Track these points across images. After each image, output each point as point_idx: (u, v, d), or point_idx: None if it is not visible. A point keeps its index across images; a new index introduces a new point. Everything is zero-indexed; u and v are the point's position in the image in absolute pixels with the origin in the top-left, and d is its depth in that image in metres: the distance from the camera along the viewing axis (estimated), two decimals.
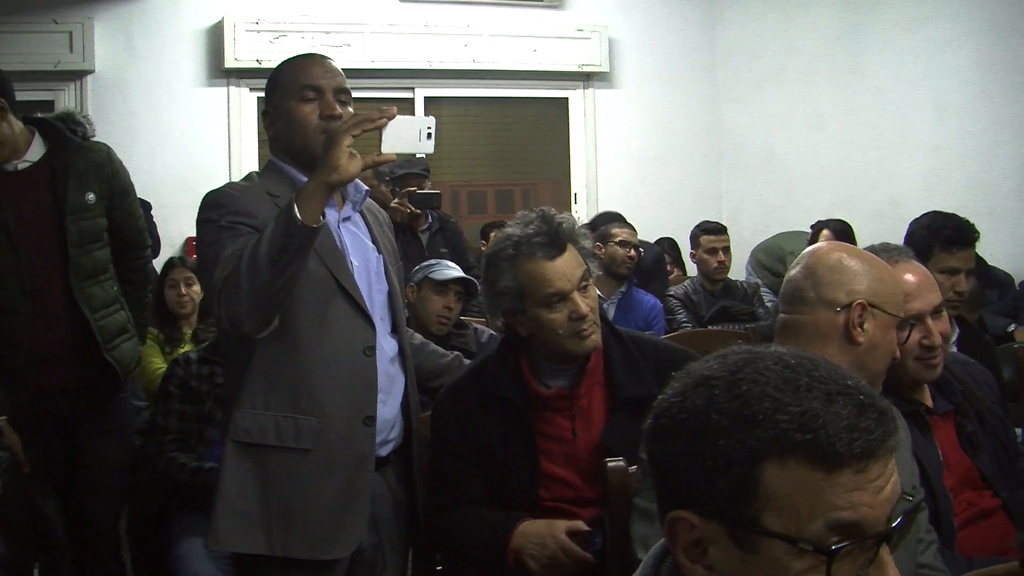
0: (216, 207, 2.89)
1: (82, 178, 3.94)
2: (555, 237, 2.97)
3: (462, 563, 3.14)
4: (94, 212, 3.96)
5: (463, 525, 3.01)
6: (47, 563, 4.26)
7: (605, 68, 9.58)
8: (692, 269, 7.53)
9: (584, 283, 2.99)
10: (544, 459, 3.01)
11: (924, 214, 4.19)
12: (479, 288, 4.32)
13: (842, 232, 6.39)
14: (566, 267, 2.97)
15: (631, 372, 3.02)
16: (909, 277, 2.93)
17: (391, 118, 2.75)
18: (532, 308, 2.98)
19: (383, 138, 2.77)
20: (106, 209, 4.03)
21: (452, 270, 4.87)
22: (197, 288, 5.21)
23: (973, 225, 4.15)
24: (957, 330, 4.03)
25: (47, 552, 4.19)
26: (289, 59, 3.09)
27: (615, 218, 6.90)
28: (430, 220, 7.00)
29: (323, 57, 3.07)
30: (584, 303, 2.96)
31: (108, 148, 4.13)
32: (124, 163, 4.16)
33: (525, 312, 3.00)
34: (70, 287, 3.89)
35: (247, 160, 8.46)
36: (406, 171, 7.11)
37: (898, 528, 1.30)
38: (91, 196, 3.94)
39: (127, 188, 4.13)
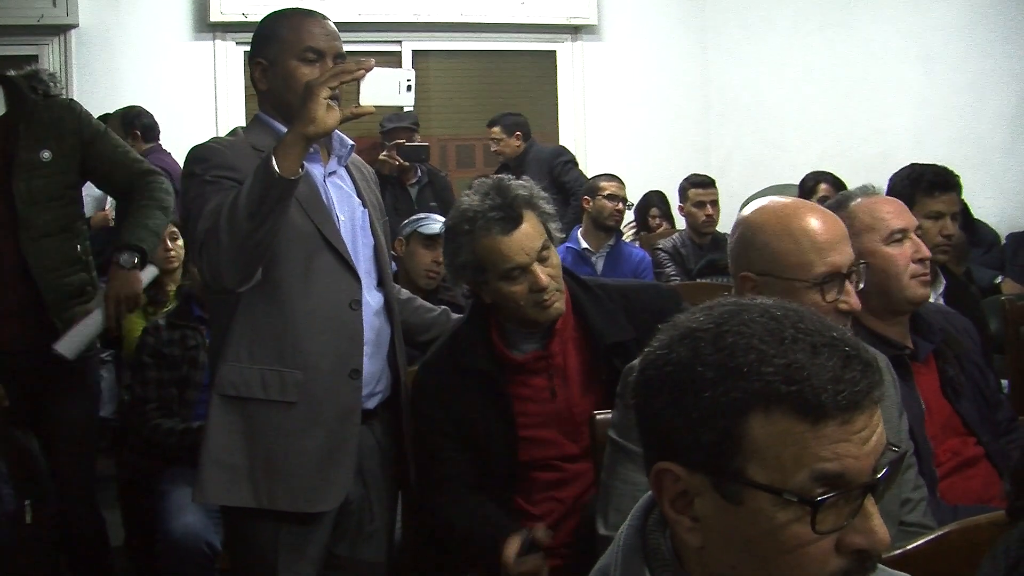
0: (200, 161, 2.88)
1: (37, 135, 3.82)
2: (510, 210, 2.95)
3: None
4: (51, 169, 3.84)
5: (457, 528, 3.02)
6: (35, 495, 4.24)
7: (593, 21, 9.55)
8: (681, 222, 7.53)
9: (544, 251, 2.97)
10: (524, 422, 3.03)
11: (902, 168, 4.22)
12: None
13: (837, 186, 6.39)
14: (524, 239, 2.95)
15: (607, 320, 3.03)
16: (883, 205, 3.07)
17: (369, 70, 2.75)
18: (493, 281, 2.98)
19: (361, 90, 2.76)
20: (81, 162, 3.93)
21: (440, 224, 4.85)
22: (182, 242, 5.17)
23: (951, 171, 4.18)
24: (943, 281, 4.05)
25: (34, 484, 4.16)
26: (287, 12, 3.04)
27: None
28: (419, 174, 7.01)
29: (324, 17, 3.03)
30: (544, 274, 2.95)
31: (70, 102, 4.02)
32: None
33: (487, 283, 3.00)
34: (20, 245, 3.80)
35: (233, 115, 8.43)
36: (395, 125, 7.11)
37: (884, 479, 1.30)
38: (46, 154, 3.81)
39: (96, 134, 3.97)
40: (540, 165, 7.72)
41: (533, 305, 2.96)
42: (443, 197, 7.33)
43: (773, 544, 1.28)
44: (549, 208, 3.05)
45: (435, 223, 4.82)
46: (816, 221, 2.49)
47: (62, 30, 8.20)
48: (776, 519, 1.27)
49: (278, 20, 3.03)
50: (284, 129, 2.88)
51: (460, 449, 3.05)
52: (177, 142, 5.49)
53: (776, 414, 1.26)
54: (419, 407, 3.13)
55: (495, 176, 3.07)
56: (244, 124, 3.23)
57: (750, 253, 2.51)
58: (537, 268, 2.95)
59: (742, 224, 2.56)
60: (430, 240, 4.73)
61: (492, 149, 8.08)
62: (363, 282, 3.00)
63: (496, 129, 8.04)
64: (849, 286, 2.47)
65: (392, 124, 7.13)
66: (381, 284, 3.13)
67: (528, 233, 2.95)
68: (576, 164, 8.17)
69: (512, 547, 2.79)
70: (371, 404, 3.07)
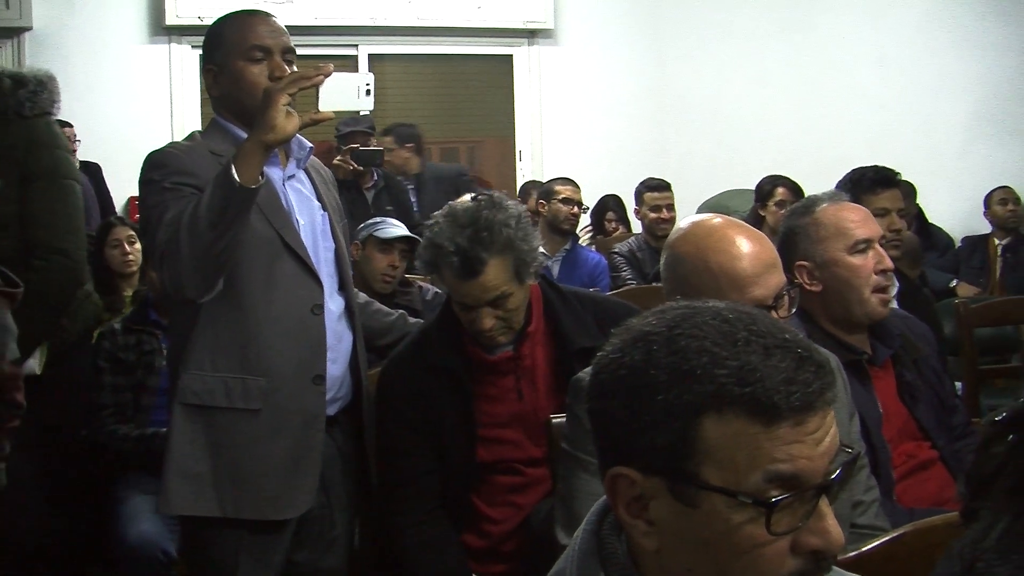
0: (158, 167, 2.86)
1: None
2: (471, 262, 2.92)
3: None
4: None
5: (411, 565, 3.05)
6: None
7: (550, 25, 9.55)
8: (637, 226, 7.55)
9: (501, 299, 2.96)
10: (489, 422, 3.04)
11: (846, 173, 4.27)
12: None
13: (795, 190, 6.43)
14: (477, 289, 2.94)
15: (578, 324, 3.05)
16: (849, 214, 3.06)
17: (328, 75, 2.74)
18: (455, 304, 3.04)
19: (320, 96, 2.76)
20: (18, 196, 3.68)
21: (396, 228, 4.84)
22: (139, 246, 5.13)
23: (892, 169, 4.23)
24: (897, 285, 4.09)
25: None
26: (231, 15, 3.03)
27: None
28: (375, 177, 6.98)
29: (267, 15, 3.02)
30: (490, 318, 2.97)
31: (30, 129, 3.77)
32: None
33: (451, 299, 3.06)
34: None
35: (189, 119, 8.37)
36: (352, 129, 7.08)
37: (837, 480, 1.31)
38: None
39: (37, 173, 3.72)
40: (441, 183, 7.66)
41: (475, 334, 3.01)
42: (399, 201, 7.29)
43: (729, 546, 1.28)
44: (529, 245, 3.01)
45: (392, 227, 4.81)
46: (738, 253, 2.39)
47: (15, 33, 8.11)
48: (731, 521, 1.27)
49: (222, 24, 3.01)
50: (242, 133, 2.87)
51: (423, 446, 3.06)
52: (133, 147, 5.43)
53: (729, 416, 1.27)
54: (385, 402, 3.13)
55: (486, 200, 3.02)
56: (201, 128, 3.20)
57: (672, 284, 2.46)
58: (485, 312, 2.96)
59: (668, 249, 2.50)
60: (386, 244, 4.72)
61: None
62: (325, 287, 2.99)
63: (388, 139, 7.92)
64: (775, 316, 2.35)
65: (348, 128, 7.10)
66: (342, 288, 3.12)
67: (484, 284, 2.94)
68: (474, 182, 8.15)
69: None
70: (332, 410, 3.06)
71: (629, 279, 6.43)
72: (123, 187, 7.68)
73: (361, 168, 6.68)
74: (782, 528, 1.27)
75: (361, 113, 7.03)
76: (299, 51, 3.05)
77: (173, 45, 8.54)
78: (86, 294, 4.00)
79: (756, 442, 1.26)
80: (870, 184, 3.99)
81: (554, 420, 2.79)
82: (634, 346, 1.34)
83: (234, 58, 2.94)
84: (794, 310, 2.51)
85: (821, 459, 1.29)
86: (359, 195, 6.81)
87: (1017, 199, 7.49)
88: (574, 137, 9.56)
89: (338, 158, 6.58)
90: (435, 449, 3.06)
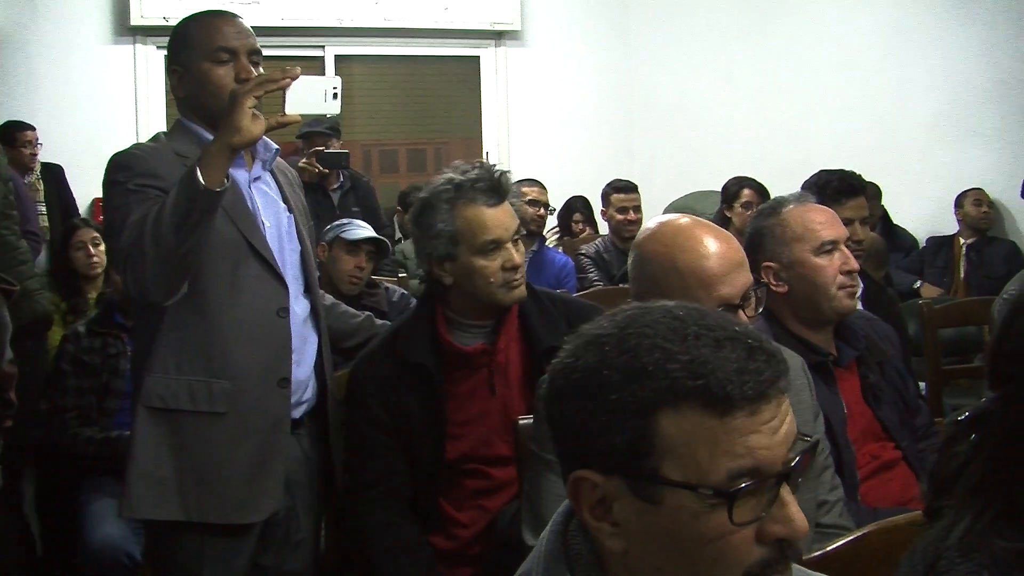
0: (123, 169, 2.83)
1: None
2: (497, 184, 2.98)
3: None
4: None
5: (378, 565, 3.02)
6: None
7: (517, 26, 9.56)
8: (604, 227, 7.56)
9: (517, 236, 3.00)
10: (459, 419, 3.03)
11: (812, 174, 4.27)
12: (391, 248, 4.32)
13: (761, 192, 6.45)
14: (504, 216, 2.98)
15: (548, 324, 3.04)
16: (815, 215, 3.08)
17: (295, 78, 2.73)
18: (465, 255, 2.97)
19: (287, 99, 2.74)
20: None
21: (363, 229, 4.84)
22: (104, 248, 5.11)
23: (859, 175, 4.24)
24: (861, 285, 4.11)
25: None
26: (196, 15, 3.00)
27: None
28: (341, 179, 6.97)
29: (233, 16, 3.00)
30: (519, 253, 2.99)
31: None
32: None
33: (456, 259, 2.98)
34: None
35: (155, 120, 8.33)
36: (312, 129, 7.07)
37: (797, 468, 1.32)
38: None
39: None
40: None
41: (502, 284, 2.97)
42: (366, 203, 7.27)
43: (694, 540, 1.29)
44: (519, 204, 3.11)
45: (358, 229, 4.81)
46: (706, 252, 2.40)
47: None
48: (695, 515, 1.28)
49: (187, 25, 2.99)
50: (207, 135, 2.86)
51: (392, 447, 3.04)
52: (97, 148, 5.41)
53: (685, 410, 1.28)
54: (355, 401, 3.11)
55: (477, 160, 3.11)
56: (166, 129, 3.18)
57: (640, 284, 2.48)
58: (511, 247, 2.97)
59: (636, 249, 2.51)
60: (353, 246, 4.72)
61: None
62: (290, 289, 2.98)
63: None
64: (742, 315, 2.39)
65: (308, 128, 7.10)
66: (308, 291, 3.11)
67: (509, 212, 2.99)
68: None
69: None
70: (298, 413, 3.04)
71: (596, 280, 6.43)
72: (87, 189, 7.65)
73: (327, 171, 6.67)
74: (745, 518, 1.28)
75: (328, 116, 7.03)
76: (265, 52, 3.04)
77: (138, 46, 8.50)
78: (26, 290, 3.99)
79: (713, 434, 1.28)
80: (834, 194, 4.00)
81: (521, 422, 2.79)
82: (586, 349, 1.35)
83: (199, 59, 2.92)
84: (761, 309, 2.53)
85: (779, 447, 1.30)
86: (325, 197, 6.80)
87: (991, 201, 7.54)
88: (541, 138, 9.58)
89: (303, 160, 6.57)
90: (404, 449, 3.04)
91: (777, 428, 1.30)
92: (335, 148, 6.94)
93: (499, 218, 2.97)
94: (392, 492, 3.05)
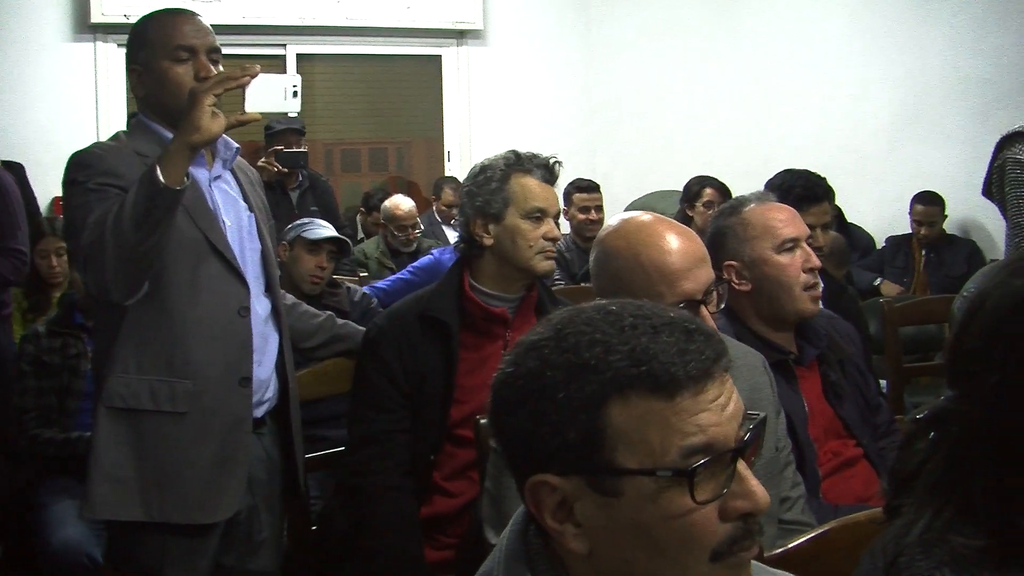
0: (83, 168, 2.82)
1: None
2: (552, 168, 3.20)
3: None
4: None
5: (372, 537, 3.06)
6: None
7: (479, 26, 9.56)
8: (565, 226, 7.56)
9: (558, 215, 3.24)
10: (466, 383, 3.11)
11: (776, 174, 4.29)
12: (351, 247, 4.32)
13: (722, 191, 6.48)
14: (552, 195, 3.21)
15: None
16: (776, 213, 3.10)
17: (254, 76, 2.73)
18: (513, 216, 3.13)
19: (246, 97, 2.75)
20: None
21: (325, 229, 4.83)
22: (68, 258, 5.07)
23: (823, 180, 4.26)
24: (821, 285, 4.13)
25: None
26: (155, 14, 2.99)
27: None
28: (300, 178, 6.96)
29: (192, 14, 2.99)
30: (555, 228, 3.18)
31: None
32: None
33: (502, 220, 3.13)
34: None
35: (115, 118, 8.26)
36: (285, 127, 7.06)
37: (750, 441, 1.34)
38: None
39: None
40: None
41: (539, 252, 3.14)
42: (324, 202, 7.26)
43: (660, 525, 1.30)
44: None
45: (320, 228, 4.80)
46: (668, 248, 2.43)
47: None
48: (656, 499, 1.29)
49: (146, 23, 2.97)
50: (167, 133, 2.84)
51: (401, 403, 3.11)
52: (57, 147, 5.37)
53: (632, 398, 1.29)
54: (371, 353, 3.17)
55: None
56: (126, 128, 3.17)
57: (603, 280, 2.50)
58: (552, 222, 3.17)
59: (598, 246, 2.54)
60: (315, 245, 4.71)
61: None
62: (251, 288, 2.97)
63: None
64: (704, 311, 2.42)
65: (282, 126, 7.08)
66: (269, 290, 3.11)
67: (556, 195, 3.21)
68: None
69: None
70: (259, 412, 3.04)
71: (558, 279, 6.43)
72: (47, 188, 7.57)
73: (286, 170, 6.66)
74: (706, 495, 1.29)
75: (290, 115, 7.02)
76: (226, 51, 3.03)
77: (98, 43, 8.43)
78: None
79: (664, 418, 1.29)
80: (797, 199, 4.01)
81: (483, 420, 2.79)
82: (527, 356, 1.36)
83: (159, 58, 2.90)
84: (723, 305, 2.54)
85: (729, 424, 1.32)
86: (283, 196, 6.79)
87: (932, 221, 7.55)
88: (503, 138, 9.51)
89: (263, 160, 6.56)
90: (411, 409, 3.10)
91: (725, 405, 1.32)
92: (301, 148, 6.94)
93: (549, 193, 3.18)
94: (393, 452, 3.08)
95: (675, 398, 1.29)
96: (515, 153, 3.19)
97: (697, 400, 1.30)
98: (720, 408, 1.31)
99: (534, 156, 3.18)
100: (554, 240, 3.16)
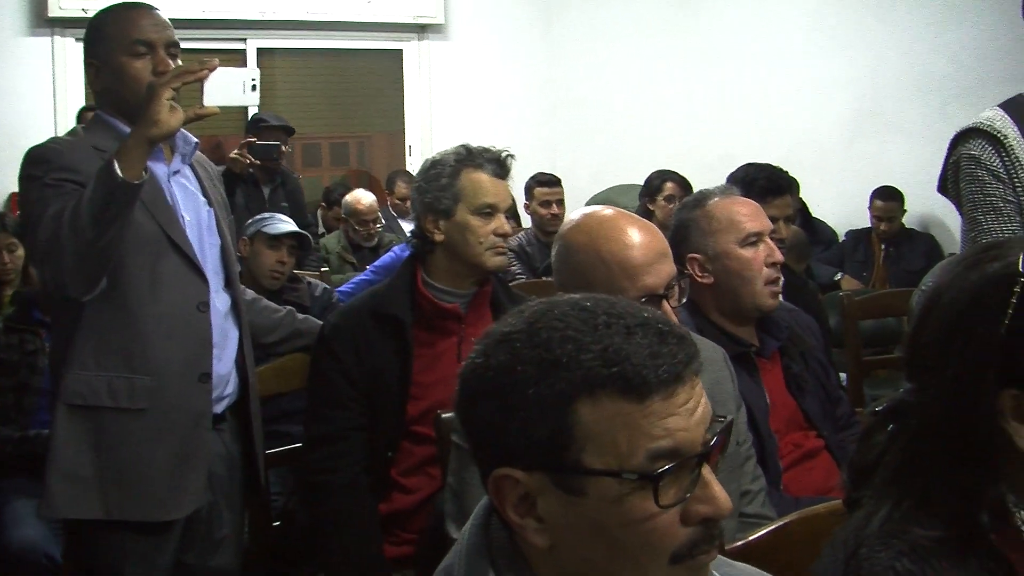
0: (40, 163, 2.80)
1: None
2: (503, 164, 3.17)
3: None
4: None
5: (333, 537, 3.07)
6: None
7: (440, 20, 9.55)
8: (527, 221, 7.57)
9: (510, 210, 3.22)
10: (421, 380, 3.09)
11: (739, 167, 4.33)
12: (312, 242, 4.31)
13: (683, 185, 6.50)
14: (503, 190, 3.15)
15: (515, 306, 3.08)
16: (740, 207, 3.12)
17: (212, 70, 2.72)
18: (463, 212, 3.11)
19: (205, 91, 2.74)
20: None
21: (285, 224, 4.81)
22: (21, 253, 5.01)
23: (786, 173, 4.29)
24: (782, 279, 4.15)
25: None
26: (113, 8, 2.97)
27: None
28: (275, 175, 6.98)
29: (150, 7, 2.97)
30: (506, 224, 3.15)
31: None
32: None
33: (452, 216, 3.11)
34: None
35: (73, 113, 8.18)
36: (275, 123, 7.08)
37: (716, 446, 1.34)
38: None
39: None
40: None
41: (489, 247, 3.11)
42: (294, 198, 7.26)
43: (621, 527, 1.30)
44: None
45: (280, 223, 4.78)
46: (630, 242, 2.43)
47: None
48: (620, 501, 1.29)
49: (103, 18, 2.96)
50: (126, 128, 2.82)
51: (358, 400, 3.09)
52: (13, 143, 5.31)
53: (602, 398, 1.29)
54: (326, 350, 3.15)
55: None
56: (75, 124, 3.15)
57: (564, 274, 2.50)
58: (502, 218, 3.14)
59: (560, 240, 2.54)
60: (275, 240, 4.69)
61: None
62: (211, 283, 2.96)
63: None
64: (667, 305, 2.42)
65: (275, 122, 7.10)
66: (228, 285, 3.09)
67: (507, 189, 3.17)
68: None
69: None
70: (219, 408, 3.03)
71: (519, 273, 6.44)
72: (4, 184, 7.52)
73: (258, 162, 6.62)
74: (670, 500, 1.29)
75: (252, 110, 7.01)
76: (186, 45, 3.02)
77: (56, 37, 8.36)
78: None
79: (632, 420, 1.28)
80: (760, 192, 4.04)
81: (444, 415, 2.79)
82: (497, 348, 1.35)
83: (116, 53, 2.89)
84: (685, 299, 2.55)
85: (697, 428, 1.32)
86: (256, 190, 6.78)
87: (892, 217, 7.60)
88: (464, 132, 9.42)
89: (235, 151, 6.51)
90: (368, 406, 3.09)
91: (693, 409, 1.32)
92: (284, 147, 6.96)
93: (499, 188, 3.14)
94: (350, 450, 3.08)
95: (645, 401, 1.28)
96: (466, 148, 3.17)
97: (667, 404, 1.29)
98: (689, 413, 1.31)
99: (486, 151, 3.16)
100: (505, 236, 3.14)
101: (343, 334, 3.13)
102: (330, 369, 3.12)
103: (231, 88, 2.78)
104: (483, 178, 3.12)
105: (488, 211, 3.10)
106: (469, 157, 3.14)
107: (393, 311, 3.10)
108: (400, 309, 3.10)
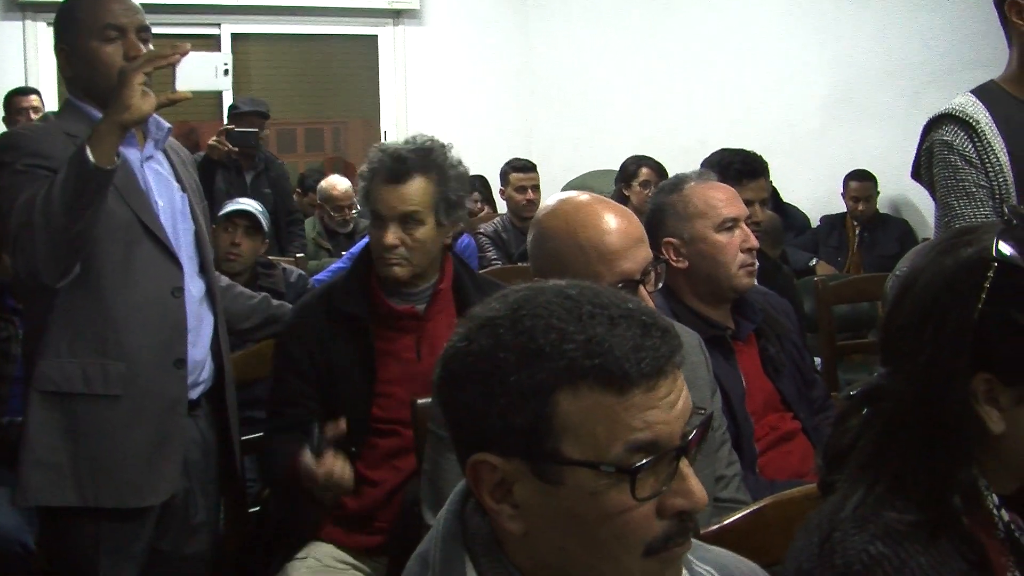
0: (11, 149, 2.79)
1: None
2: (399, 165, 3.03)
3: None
4: None
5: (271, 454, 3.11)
6: None
7: (415, 5, 9.53)
8: (502, 206, 7.57)
9: (414, 218, 3.03)
10: (384, 378, 3.06)
11: (713, 152, 4.35)
12: (265, 223, 4.30)
13: (659, 171, 6.50)
14: (394, 197, 3.02)
15: (481, 300, 3.06)
16: (717, 193, 3.12)
17: (184, 55, 2.71)
18: (369, 224, 3.11)
19: (176, 76, 2.73)
20: None
21: (237, 205, 4.75)
22: None
23: (760, 157, 4.31)
24: (757, 264, 4.17)
25: None
26: None
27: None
28: (256, 160, 6.95)
29: None
30: (393, 236, 3.01)
31: None
32: None
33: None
34: None
35: (46, 99, 8.13)
36: (250, 108, 7.05)
37: (694, 440, 1.33)
38: None
39: None
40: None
41: (378, 257, 3.04)
42: (279, 185, 7.23)
43: (597, 518, 1.30)
44: (457, 195, 3.12)
45: (232, 204, 4.73)
46: (607, 228, 2.42)
47: None
48: (597, 493, 1.29)
49: (74, 2, 2.94)
50: (97, 114, 2.81)
51: (312, 397, 3.07)
52: None
53: (583, 389, 1.28)
54: (284, 347, 3.14)
55: (440, 142, 3.19)
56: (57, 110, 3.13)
57: (540, 260, 2.49)
58: (393, 228, 3.01)
59: (536, 226, 2.53)
60: (227, 221, 4.63)
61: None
62: (185, 269, 2.95)
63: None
64: (643, 290, 2.42)
65: (247, 107, 7.05)
66: (203, 271, 3.08)
67: (403, 194, 3.02)
68: None
69: (305, 457, 2.88)
70: (194, 394, 3.02)
71: (495, 259, 6.44)
72: None
73: (236, 148, 6.59)
74: (647, 493, 1.29)
75: (226, 95, 6.98)
76: (159, 31, 3.01)
77: (27, 22, 8.30)
78: None
79: (612, 412, 1.28)
80: (736, 175, 4.06)
81: (419, 401, 2.78)
82: (480, 332, 1.35)
83: (87, 38, 2.87)
84: (661, 284, 2.54)
85: (676, 422, 1.31)
86: (238, 176, 6.75)
87: (869, 196, 7.63)
88: (440, 118, 9.52)
89: (214, 138, 6.48)
90: (324, 402, 3.06)
91: (674, 403, 1.31)
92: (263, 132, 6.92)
93: (388, 197, 3.02)
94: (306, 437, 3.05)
95: (626, 394, 1.28)
96: (375, 157, 3.10)
97: (648, 397, 1.29)
98: (669, 406, 1.31)
99: (384, 159, 3.07)
100: (384, 247, 3.02)
101: (297, 335, 3.12)
102: (283, 368, 3.12)
103: (203, 73, 2.77)
104: (374, 189, 3.06)
105: (377, 221, 3.06)
106: (369, 170, 3.09)
107: (351, 309, 3.07)
108: (356, 307, 3.08)
